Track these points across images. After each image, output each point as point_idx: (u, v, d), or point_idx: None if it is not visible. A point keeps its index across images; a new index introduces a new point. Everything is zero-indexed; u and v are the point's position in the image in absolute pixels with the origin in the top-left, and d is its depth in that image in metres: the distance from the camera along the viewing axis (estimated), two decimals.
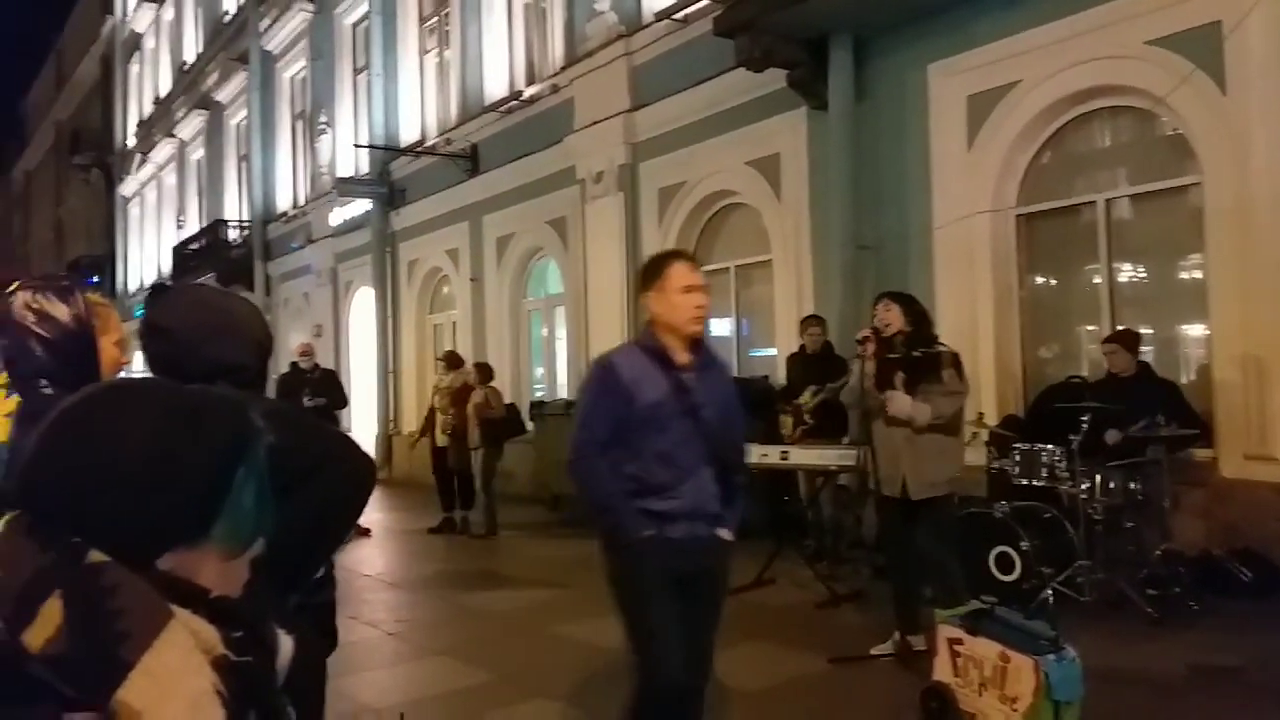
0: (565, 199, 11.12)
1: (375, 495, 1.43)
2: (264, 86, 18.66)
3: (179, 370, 1.62)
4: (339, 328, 16.34)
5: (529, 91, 11.81)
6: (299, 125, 18.20)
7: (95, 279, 24.93)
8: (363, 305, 15.89)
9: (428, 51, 14.35)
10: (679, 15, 9.35)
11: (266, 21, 18.14)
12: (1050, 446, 5.48)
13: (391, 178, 14.52)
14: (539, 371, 12.63)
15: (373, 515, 9.77)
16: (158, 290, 1.91)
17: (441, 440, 9.28)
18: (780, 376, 8.03)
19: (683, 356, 2.82)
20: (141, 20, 26.37)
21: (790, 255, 8.52)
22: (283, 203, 18.45)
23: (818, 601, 5.76)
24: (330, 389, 9.01)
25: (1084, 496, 5.32)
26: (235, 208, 20.54)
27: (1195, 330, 6.47)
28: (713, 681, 3.08)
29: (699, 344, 2.87)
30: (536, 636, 5.43)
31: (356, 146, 15.00)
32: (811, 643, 4.93)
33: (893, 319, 4.61)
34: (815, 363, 7.09)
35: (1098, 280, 6.83)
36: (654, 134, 9.88)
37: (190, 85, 22.51)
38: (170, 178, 24.62)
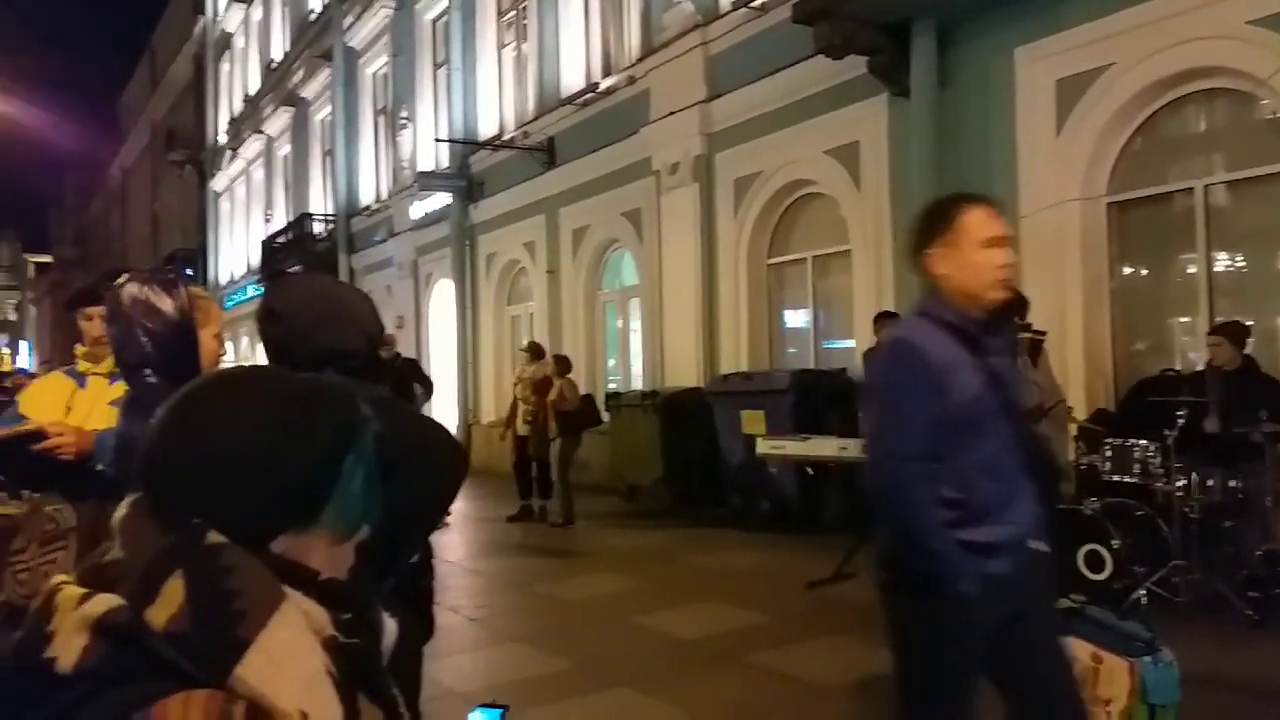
0: (640, 190, 11.14)
1: None
2: (347, 83, 19.11)
3: (291, 355, 1.67)
4: (420, 319, 16.67)
5: (605, 83, 11.85)
6: (381, 120, 18.59)
7: (189, 271, 25.84)
8: (443, 297, 16.18)
9: (505, 45, 14.51)
10: (756, 3, 9.26)
11: (350, 19, 18.56)
12: (1144, 442, 5.30)
13: (470, 171, 14.73)
14: (613, 363, 12.70)
15: (452, 503, 9.94)
16: (276, 277, 1.98)
17: (522, 429, 9.42)
18: (857, 368, 7.92)
19: (984, 334, 2.18)
20: (231, 20, 27.24)
21: (870, 245, 8.39)
22: (366, 196, 18.88)
23: None
24: (414, 377, 9.20)
25: (1179, 494, 5.14)
26: (320, 202, 21.09)
27: None
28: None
29: (999, 316, 2.23)
30: (614, 626, 5.47)
31: (437, 141, 15.26)
32: None
33: None
34: None
35: (1194, 270, 6.56)
36: (730, 124, 9.83)
37: (278, 83, 23.17)
38: (259, 173, 25.41)
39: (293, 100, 22.01)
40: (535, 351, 9.79)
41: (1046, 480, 2.30)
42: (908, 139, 7.75)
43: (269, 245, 21.94)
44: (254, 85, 25.52)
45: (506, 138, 13.88)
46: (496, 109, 14.56)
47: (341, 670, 0.80)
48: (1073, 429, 5.87)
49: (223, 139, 28.19)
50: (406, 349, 13.49)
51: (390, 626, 0.91)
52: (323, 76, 20.12)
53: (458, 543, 8.45)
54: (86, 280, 3.27)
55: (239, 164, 26.58)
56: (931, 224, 2.26)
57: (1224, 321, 5.84)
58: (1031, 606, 2.21)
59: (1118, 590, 4.95)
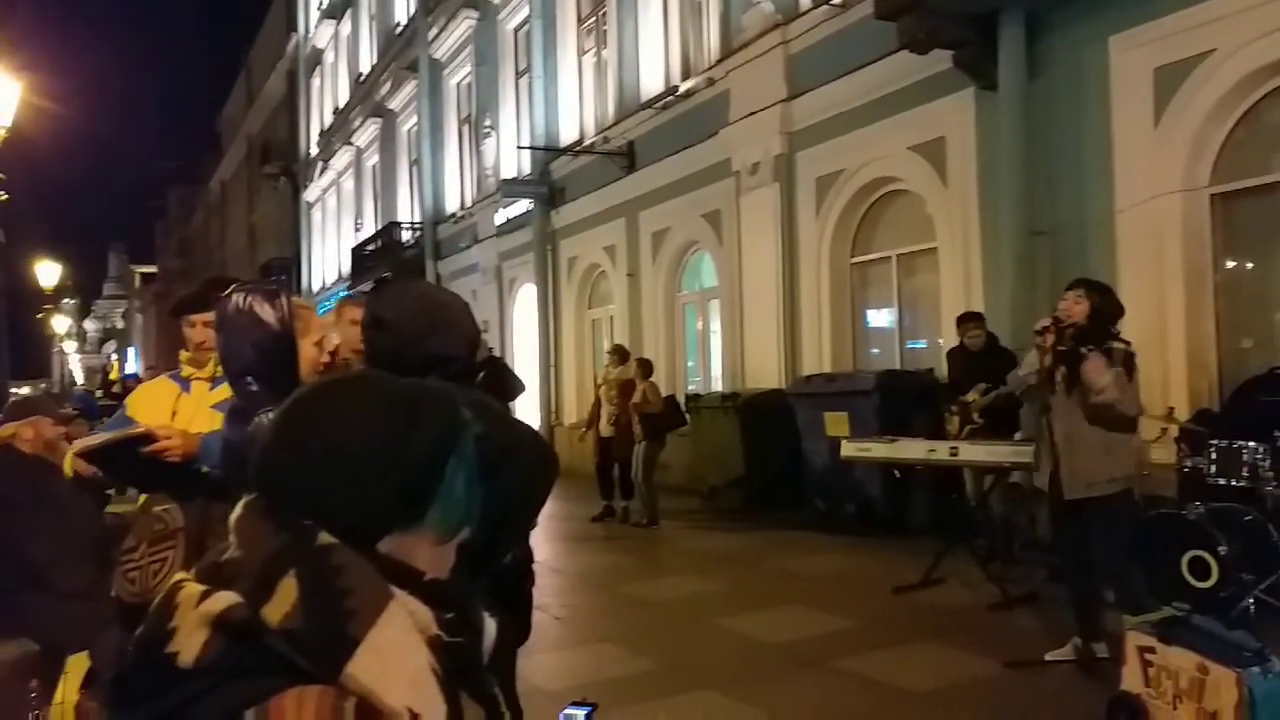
0: (720, 192, 11.11)
1: None
2: (432, 93, 19.54)
3: (397, 361, 1.72)
4: (503, 323, 16.94)
5: (684, 86, 11.86)
6: (465, 129, 18.96)
7: (283, 278, 26.77)
8: (525, 302, 16.41)
9: (586, 52, 14.64)
10: (837, 1, 9.15)
11: (434, 30, 18.97)
12: (1252, 444, 5.05)
13: (552, 177, 14.91)
14: (693, 364, 12.69)
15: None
16: (380, 284, 2.05)
17: (606, 431, 9.49)
18: (943, 369, 7.76)
19: None
20: (322, 36, 28.13)
21: (957, 243, 8.21)
22: (451, 204, 19.28)
23: (989, 603, 5.54)
24: (505, 377, 9.36)
25: None
26: (408, 210, 21.61)
27: None
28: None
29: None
30: (699, 628, 5.47)
31: (519, 148, 15.49)
32: (984, 646, 4.75)
33: (1076, 311, 4.38)
34: (980, 359, 6.80)
35: None
36: (811, 122, 9.73)
37: (366, 95, 23.83)
38: (349, 183, 26.17)
39: (380, 112, 22.60)
40: (621, 354, 9.86)
41: None
42: (996, 133, 7.55)
43: (359, 253, 22.57)
44: (343, 98, 26.29)
45: (587, 143, 14.01)
46: (577, 115, 14.70)
47: (445, 669, 0.83)
48: (1174, 430, 5.64)
49: (314, 151, 29.13)
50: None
51: (490, 626, 0.93)
52: (409, 88, 20.61)
53: (542, 542, 8.55)
54: (189, 289, 3.41)
55: (330, 175, 27.42)
56: None
57: None
58: None
59: (1224, 598, 4.72)
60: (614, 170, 13.13)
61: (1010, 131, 7.36)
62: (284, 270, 28.50)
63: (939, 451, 6.16)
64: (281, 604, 0.79)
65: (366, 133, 23.77)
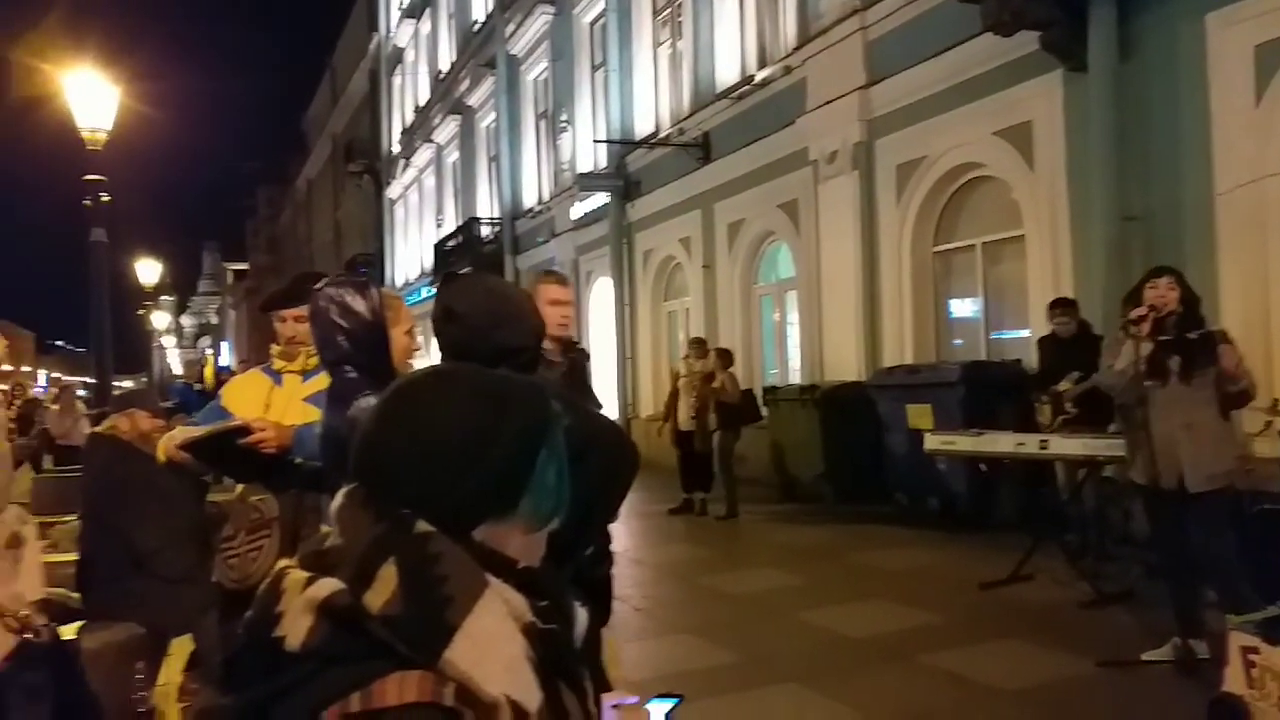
0: (797, 181, 10.99)
1: None
2: (510, 89, 19.77)
3: (468, 353, 1.77)
4: (580, 317, 17.06)
5: (760, 75, 11.75)
6: (542, 124, 19.14)
7: (364, 269, 27.44)
8: (602, 295, 16.50)
9: (661, 44, 14.62)
10: None
11: (511, 26, 19.18)
12: None
13: (627, 170, 14.95)
14: (771, 357, 12.60)
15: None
16: (450, 277, 2.09)
17: (686, 424, 9.49)
18: (1032, 360, 7.54)
19: None
20: (403, 35, 28.69)
21: (1045, 230, 7.96)
22: (529, 199, 19.49)
23: (1082, 601, 5.38)
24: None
25: None
26: (487, 205, 21.92)
27: None
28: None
29: None
30: (780, 621, 5.44)
31: (595, 142, 15.57)
32: (1076, 644, 4.62)
33: (1170, 299, 4.22)
34: (1072, 348, 6.59)
35: None
36: (891, 109, 9.55)
37: (445, 93, 24.23)
38: (430, 180, 26.67)
39: (459, 109, 22.96)
40: (701, 347, 9.83)
41: None
42: (1086, 116, 7.30)
43: (440, 248, 23.00)
44: (424, 96, 26.79)
45: (662, 135, 14.00)
46: (653, 107, 14.70)
47: (540, 655, 0.84)
48: (1279, 423, 5.39)
49: (396, 149, 29.76)
50: None
51: (582, 615, 0.95)
52: (487, 84, 20.89)
53: (621, 533, 8.60)
54: (280, 285, 3.51)
55: (411, 172, 27.98)
56: None
57: None
58: None
59: None
60: (689, 162, 13.09)
61: (1101, 114, 7.10)
62: (368, 266, 29.19)
63: (1028, 445, 5.99)
64: (382, 591, 0.81)
65: (446, 130, 24.17)
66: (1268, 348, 6.17)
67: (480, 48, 21.34)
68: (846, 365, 10.00)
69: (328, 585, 0.82)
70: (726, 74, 12.53)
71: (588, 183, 15.38)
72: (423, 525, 0.85)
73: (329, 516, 0.92)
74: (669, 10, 14.29)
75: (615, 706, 1.16)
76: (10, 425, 3.91)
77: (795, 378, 11.38)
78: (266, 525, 2.70)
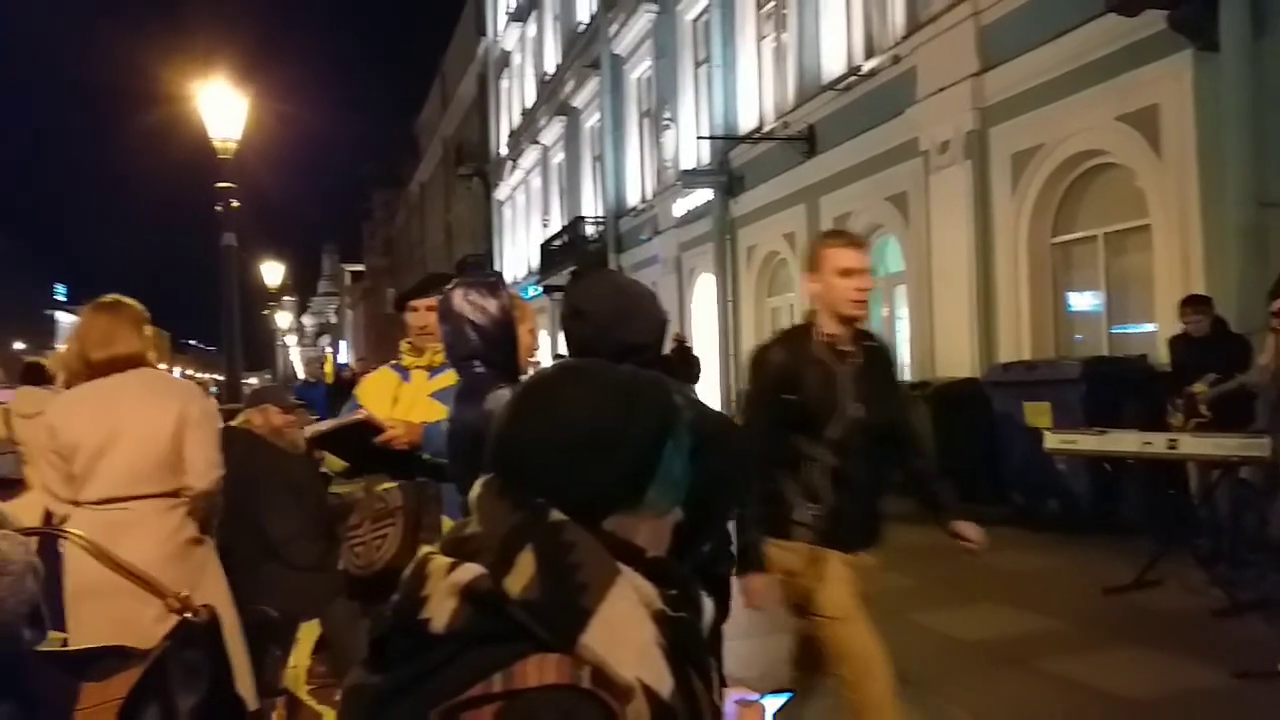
0: (906, 173, 10.75)
1: None
2: (614, 89, 19.96)
3: (595, 349, 1.81)
4: (683, 314, 17.10)
5: (868, 65, 11.55)
6: (645, 123, 19.26)
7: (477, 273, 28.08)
8: (704, 291, 16.50)
9: (764, 37, 14.52)
10: None
11: (615, 26, 19.36)
12: None
13: (730, 166, 14.90)
14: None
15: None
16: (578, 275, 2.14)
17: None
18: (1159, 355, 7.20)
19: None
20: (510, 39, 29.29)
21: (1173, 218, 7.58)
22: (632, 197, 19.64)
23: (1214, 608, 5.11)
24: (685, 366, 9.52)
25: None
26: (591, 204, 22.20)
27: None
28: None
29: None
30: (893, 622, 5.29)
31: (699, 138, 15.57)
32: (1208, 653, 4.39)
33: None
34: (1206, 347, 6.24)
35: None
36: (1005, 96, 9.24)
37: (551, 94, 24.62)
38: (536, 181, 27.16)
39: (565, 110, 23.30)
40: None
41: None
42: (1218, 98, 6.91)
43: (546, 248, 23.39)
44: (530, 98, 27.28)
45: (766, 129, 13.91)
46: (756, 102, 14.61)
47: (669, 643, 0.87)
48: None
49: (504, 151, 30.40)
50: (668, 344, 13.89)
51: (709, 605, 0.97)
52: (591, 85, 21.14)
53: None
54: (396, 285, 3.64)
55: (518, 174, 28.55)
56: None
57: None
58: None
59: None
60: (794, 156, 12.96)
61: (1235, 95, 6.71)
62: (478, 266, 29.84)
63: (1155, 444, 5.71)
64: (521, 576, 0.85)
65: (552, 131, 24.56)
66: None
67: (585, 49, 21.60)
68: (959, 361, 9.74)
69: (470, 570, 0.86)
70: (832, 65, 12.35)
71: (691, 179, 15.40)
72: (556, 514, 0.89)
73: (469, 505, 0.96)
74: (773, 4, 14.17)
75: (738, 702, 1.18)
76: None
77: (905, 374, 11.13)
78: (391, 514, 2.81)
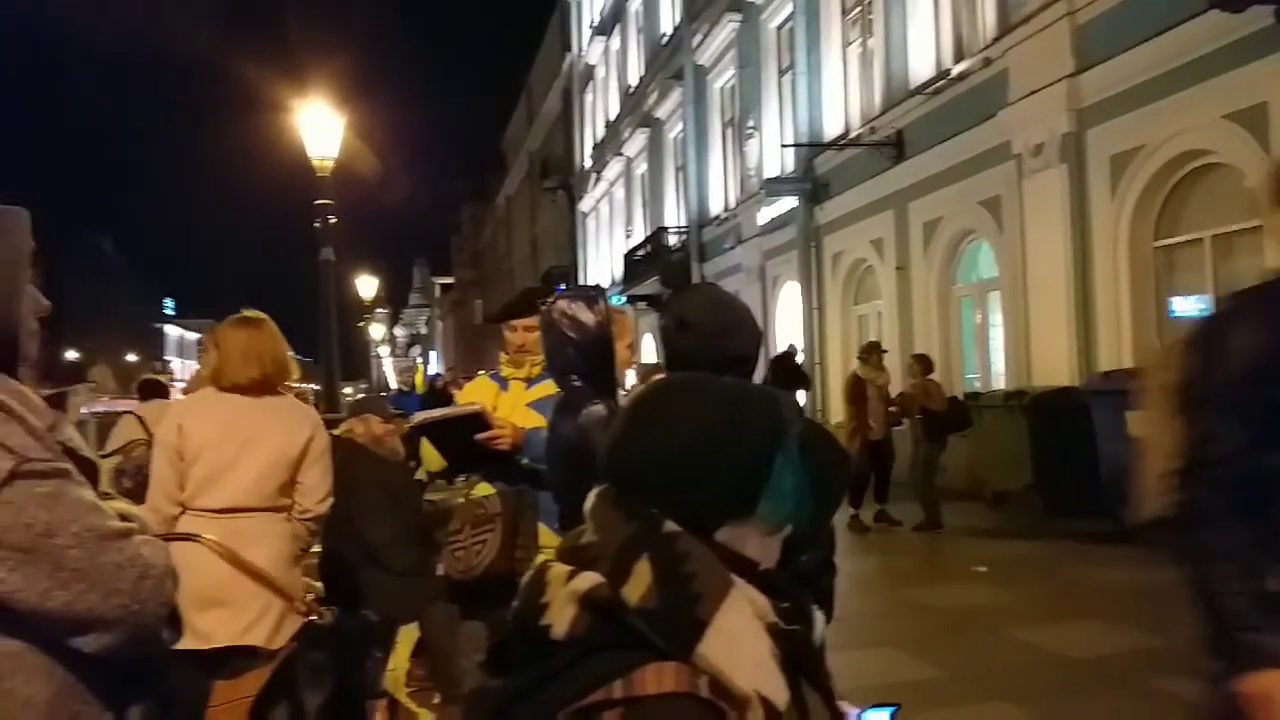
0: (999, 177, 10.50)
1: None
2: (697, 99, 20.00)
3: (699, 362, 1.83)
4: (766, 323, 16.98)
5: (957, 69, 11.33)
6: (729, 132, 19.24)
7: (563, 287, 28.45)
8: (789, 300, 16.37)
9: (850, 43, 14.37)
10: None
11: (698, 37, 19.41)
12: None
13: (815, 173, 14.77)
14: (971, 361, 12.07)
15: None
16: (679, 289, 2.18)
17: (880, 433, 9.24)
18: None
19: None
20: (594, 53, 29.63)
21: None
22: (715, 206, 19.63)
23: None
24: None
25: None
26: (674, 215, 22.26)
27: None
28: None
29: None
30: (987, 637, 5.21)
31: (783, 146, 15.49)
32: None
33: None
34: None
35: None
36: (1103, 96, 8.95)
37: (634, 106, 24.80)
38: (619, 192, 27.37)
39: (648, 121, 23.43)
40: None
41: None
42: None
43: (630, 258, 23.52)
44: (614, 111, 27.54)
45: (853, 136, 13.75)
46: (842, 108, 14.47)
47: (783, 655, 0.88)
48: None
49: (588, 163, 30.73)
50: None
51: (820, 618, 0.97)
52: (674, 95, 21.22)
53: None
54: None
55: (602, 185, 28.82)
56: None
57: None
58: None
59: None
60: (881, 161, 12.79)
61: None
62: (563, 278, 30.26)
63: None
64: (638, 585, 0.87)
65: (635, 143, 24.73)
66: None
67: (668, 60, 21.71)
68: (1056, 369, 9.44)
69: (589, 579, 0.89)
70: (920, 69, 12.15)
71: (775, 187, 15.32)
72: (671, 525, 0.91)
73: (584, 515, 0.99)
74: (859, 9, 14.02)
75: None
76: None
77: (998, 383, 10.86)
78: (490, 520, 2.88)
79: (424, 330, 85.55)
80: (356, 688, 1.50)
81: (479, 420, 2.80)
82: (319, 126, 9.91)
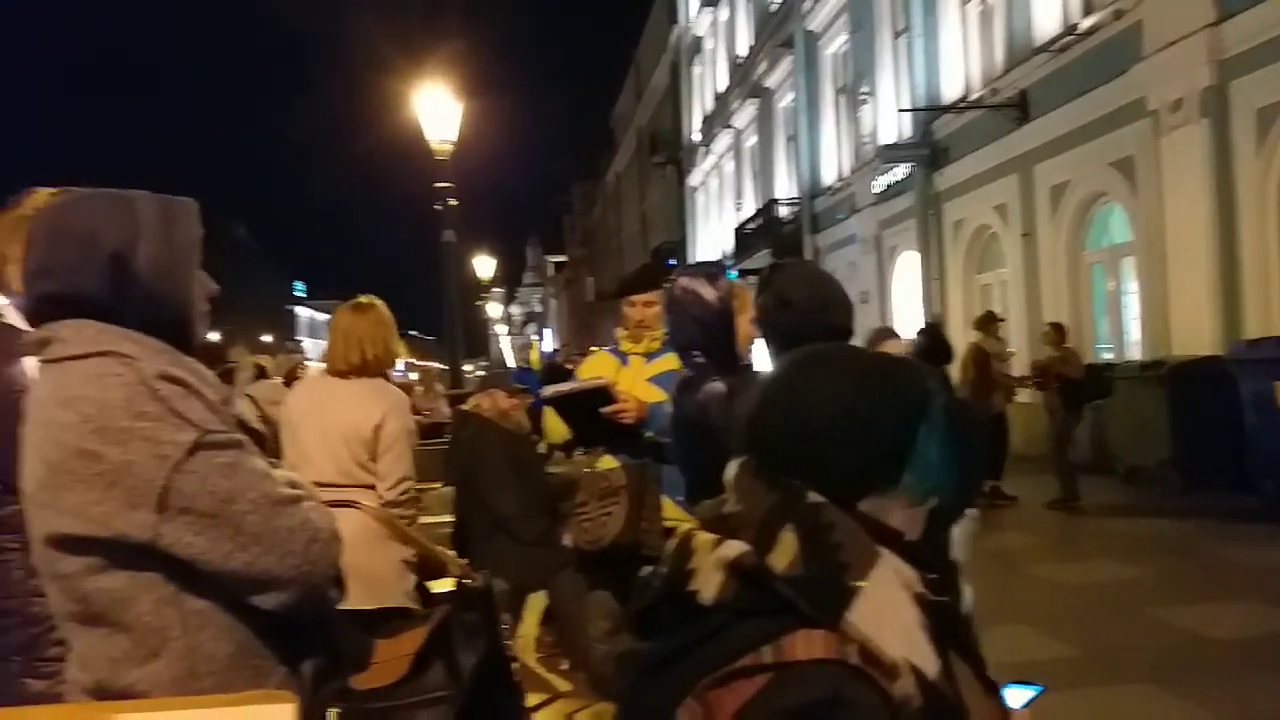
0: (1132, 135, 9.95)
1: None
2: (808, 67, 19.62)
3: (802, 338, 1.82)
4: (883, 293, 16.63)
5: (1086, 23, 10.76)
6: (841, 99, 18.82)
7: (672, 262, 28.53)
8: (906, 270, 15.96)
9: (969, 1, 13.81)
10: None
11: (809, 3, 19.00)
12: None
13: (933, 138, 14.32)
14: (1103, 330, 11.54)
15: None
16: (776, 267, 2.18)
17: (1003, 405, 8.94)
18: None
19: None
20: (701, 24, 29.39)
21: None
22: (828, 176, 19.27)
23: None
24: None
25: None
26: (785, 186, 21.96)
27: None
28: None
29: None
30: (1125, 616, 5.02)
31: (899, 111, 15.06)
32: None
33: None
34: None
35: None
36: (1247, 46, 8.36)
37: (743, 77, 24.51)
38: (729, 165, 27.16)
39: (757, 92, 23.13)
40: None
41: None
42: None
43: (740, 232, 23.35)
44: (722, 83, 27.28)
45: (973, 98, 13.27)
46: (961, 70, 13.95)
47: (933, 625, 0.88)
48: None
49: (696, 137, 30.59)
50: (871, 323, 13.54)
51: (968, 592, 0.97)
52: (785, 64, 20.87)
53: None
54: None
55: (711, 159, 28.65)
56: None
57: None
58: None
59: None
60: (1004, 123, 12.29)
61: None
62: (672, 254, 30.30)
63: None
64: (784, 554, 0.89)
65: (745, 114, 24.46)
66: None
67: (778, 28, 21.34)
68: (1197, 338, 8.93)
69: (735, 547, 0.91)
70: (1046, 25, 11.59)
71: (891, 154, 14.93)
72: (814, 495, 0.92)
73: (725, 485, 1.01)
74: None
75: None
76: None
77: (1133, 353, 10.37)
78: (615, 493, 2.94)
79: (538, 308, 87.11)
80: (507, 650, 1.58)
81: (605, 394, 2.87)
82: (438, 111, 10.19)
